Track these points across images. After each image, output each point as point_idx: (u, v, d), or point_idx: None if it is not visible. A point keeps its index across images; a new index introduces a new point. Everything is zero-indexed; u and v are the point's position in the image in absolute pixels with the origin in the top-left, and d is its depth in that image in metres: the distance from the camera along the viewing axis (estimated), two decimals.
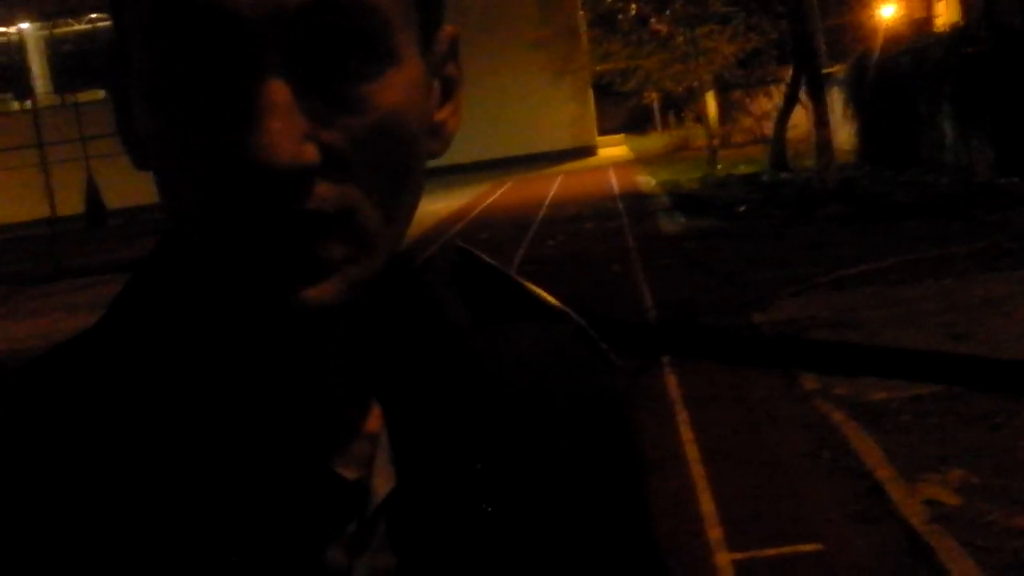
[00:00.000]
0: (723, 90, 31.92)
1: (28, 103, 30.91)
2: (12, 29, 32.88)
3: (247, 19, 0.53)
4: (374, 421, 0.66)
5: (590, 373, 0.76)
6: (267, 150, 0.53)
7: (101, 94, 36.00)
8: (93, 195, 28.96)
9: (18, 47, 33.49)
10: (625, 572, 0.75)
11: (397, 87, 0.58)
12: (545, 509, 0.70)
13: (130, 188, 31.70)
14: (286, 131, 0.53)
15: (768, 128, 24.82)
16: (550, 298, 0.77)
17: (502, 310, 0.74)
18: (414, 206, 0.62)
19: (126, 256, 19.57)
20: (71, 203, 25.84)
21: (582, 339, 0.77)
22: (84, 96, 33.65)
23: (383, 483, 0.64)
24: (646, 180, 23.07)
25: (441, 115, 0.66)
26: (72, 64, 34.64)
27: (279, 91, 0.54)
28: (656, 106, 40.63)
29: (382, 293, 0.67)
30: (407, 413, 0.67)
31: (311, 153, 0.54)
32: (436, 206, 23.74)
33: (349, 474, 0.63)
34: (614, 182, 23.92)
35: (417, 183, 0.62)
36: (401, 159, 0.59)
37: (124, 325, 0.64)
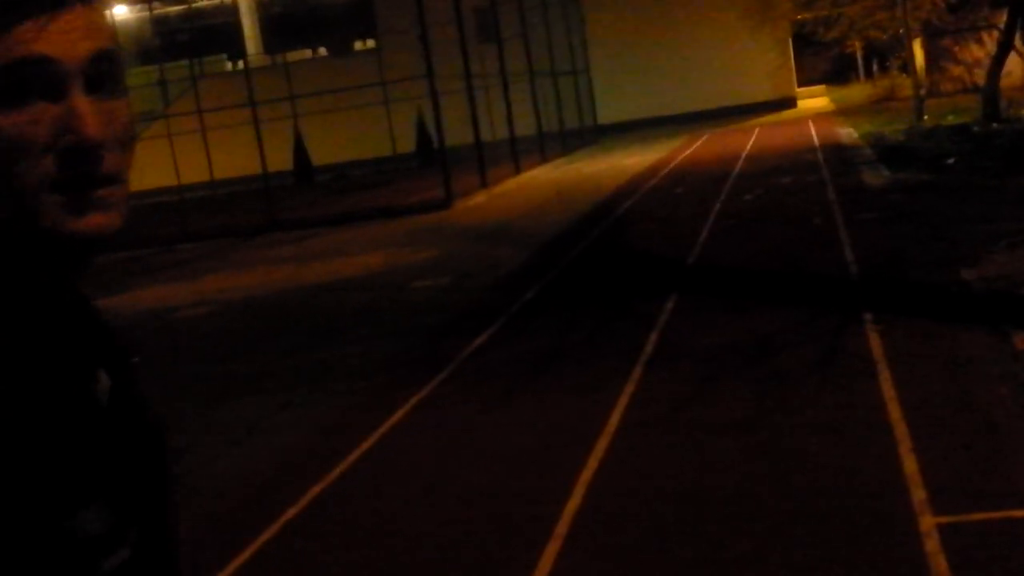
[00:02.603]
0: (931, 37, 30.54)
1: (241, 63, 32.17)
2: None
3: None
4: None
5: None
6: None
7: (308, 54, 37.27)
8: (301, 152, 30.01)
9: (231, 10, 34.93)
10: None
11: None
12: None
13: (335, 145, 32.88)
14: None
15: (979, 77, 23.67)
16: None
17: None
18: None
19: (333, 211, 20.27)
20: (280, 160, 26.81)
21: None
22: (292, 56, 34.84)
23: None
24: (848, 132, 22.35)
25: None
26: (281, 25, 36.00)
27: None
28: (859, 55, 39.18)
29: None
30: None
31: None
32: (629, 161, 23.61)
33: None
34: (814, 134, 23.27)
35: None
36: None
37: None
